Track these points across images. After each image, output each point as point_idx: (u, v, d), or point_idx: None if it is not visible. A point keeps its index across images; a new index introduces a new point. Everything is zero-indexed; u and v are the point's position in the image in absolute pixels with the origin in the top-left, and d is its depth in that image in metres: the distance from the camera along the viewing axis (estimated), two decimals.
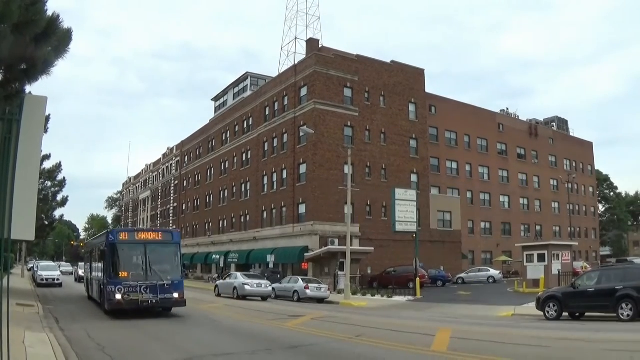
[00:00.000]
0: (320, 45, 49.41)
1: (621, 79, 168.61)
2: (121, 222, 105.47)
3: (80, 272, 39.67)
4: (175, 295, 17.23)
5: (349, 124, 44.73)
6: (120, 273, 16.86)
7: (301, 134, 43.04)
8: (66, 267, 67.97)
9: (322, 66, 44.22)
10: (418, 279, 33.38)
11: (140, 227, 78.65)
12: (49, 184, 29.71)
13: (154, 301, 16.72)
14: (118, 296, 16.38)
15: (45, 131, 14.49)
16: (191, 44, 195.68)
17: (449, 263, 47.54)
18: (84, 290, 27.27)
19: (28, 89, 6.91)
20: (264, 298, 29.61)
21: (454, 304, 27.03)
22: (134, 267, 17.24)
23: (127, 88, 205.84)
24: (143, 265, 17.04)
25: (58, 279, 37.23)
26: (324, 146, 42.99)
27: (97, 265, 21.01)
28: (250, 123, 54.30)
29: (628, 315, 15.89)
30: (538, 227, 64.66)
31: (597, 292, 17.00)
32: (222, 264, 49.92)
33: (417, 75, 50.41)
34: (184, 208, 71.66)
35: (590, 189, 76.90)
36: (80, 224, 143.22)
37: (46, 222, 31.10)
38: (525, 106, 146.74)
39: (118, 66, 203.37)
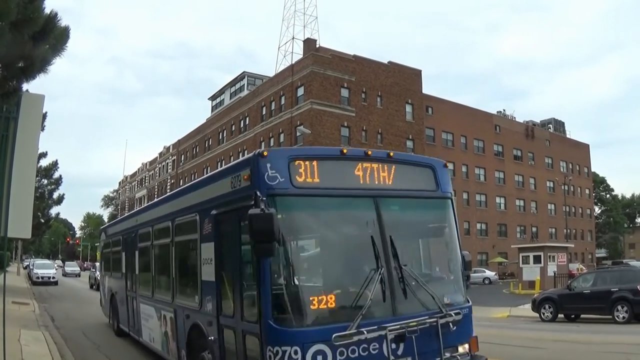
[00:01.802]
0: (317, 45, 49.40)
1: (618, 81, 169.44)
2: None
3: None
4: (461, 348, 6.14)
5: (345, 124, 44.74)
6: (313, 300, 5.21)
7: (298, 133, 43.05)
8: (72, 266, 56.63)
9: (319, 66, 44.22)
10: None
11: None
12: (45, 181, 29.71)
13: None
14: None
15: (42, 129, 14.40)
16: (188, 43, 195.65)
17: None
18: (98, 301, 17.12)
19: (25, 86, 6.90)
20: None
21: None
22: (352, 271, 5.84)
23: (124, 87, 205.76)
24: (381, 267, 5.57)
25: (54, 277, 37.76)
26: (321, 146, 42.96)
27: (165, 268, 8.79)
28: (247, 122, 54.23)
29: (623, 317, 15.97)
30: (534, 229, 64.75)
31: (593, 294, 17.06)
32: None
33: (414, 76, 50.46)
34: None
35: (587, 191, 77.01)
36: (76, 222, 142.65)
37: (42, 220, 31.11)
38: (522, 108, 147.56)
39: (115, 65, 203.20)
